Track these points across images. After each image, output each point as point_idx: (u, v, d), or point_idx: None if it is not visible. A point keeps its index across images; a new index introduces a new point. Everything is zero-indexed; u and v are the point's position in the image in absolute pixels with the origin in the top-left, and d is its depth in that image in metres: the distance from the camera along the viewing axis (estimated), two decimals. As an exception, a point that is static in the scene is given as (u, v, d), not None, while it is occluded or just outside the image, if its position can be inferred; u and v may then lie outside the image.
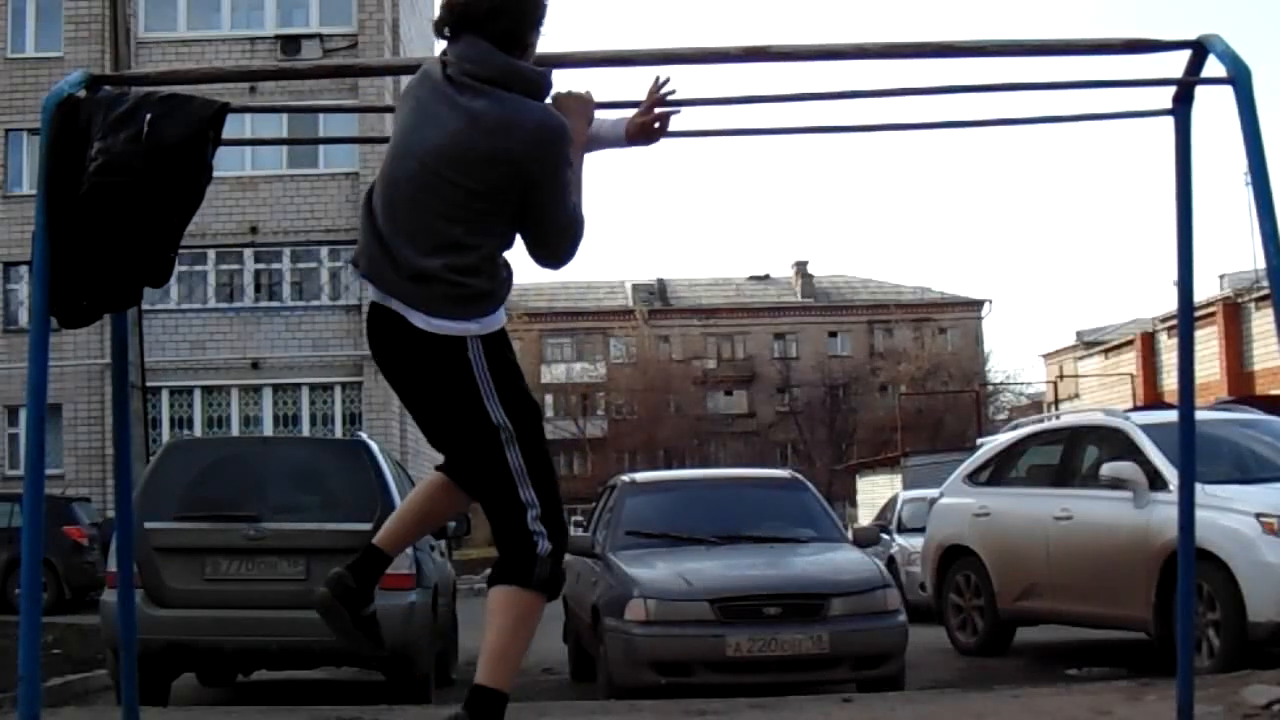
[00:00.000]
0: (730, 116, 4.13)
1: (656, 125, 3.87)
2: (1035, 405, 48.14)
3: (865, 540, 9.54)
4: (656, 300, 67.41)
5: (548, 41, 3.67)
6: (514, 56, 3.50)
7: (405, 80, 3.83)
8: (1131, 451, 9.19)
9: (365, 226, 3.60)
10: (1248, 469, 8.99)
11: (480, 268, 3.50)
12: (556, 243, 3.56)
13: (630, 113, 3.90)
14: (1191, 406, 4.76)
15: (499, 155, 3.41)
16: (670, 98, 3.87)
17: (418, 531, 3.88)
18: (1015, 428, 12.20)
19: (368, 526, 8.10)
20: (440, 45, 3.65)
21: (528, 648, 3.61)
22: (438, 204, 3.46)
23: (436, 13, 3.64)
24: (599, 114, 3.86)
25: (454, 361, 3.48)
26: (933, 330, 64.00)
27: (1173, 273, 4.65)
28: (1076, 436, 10.47)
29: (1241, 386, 29.26)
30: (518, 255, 3.62)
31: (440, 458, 3.79)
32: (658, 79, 3.85)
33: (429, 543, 9.63)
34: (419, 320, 3.47)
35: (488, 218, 3.47)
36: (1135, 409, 14.75)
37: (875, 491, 33.67)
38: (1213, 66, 4.18)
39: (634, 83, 3.96)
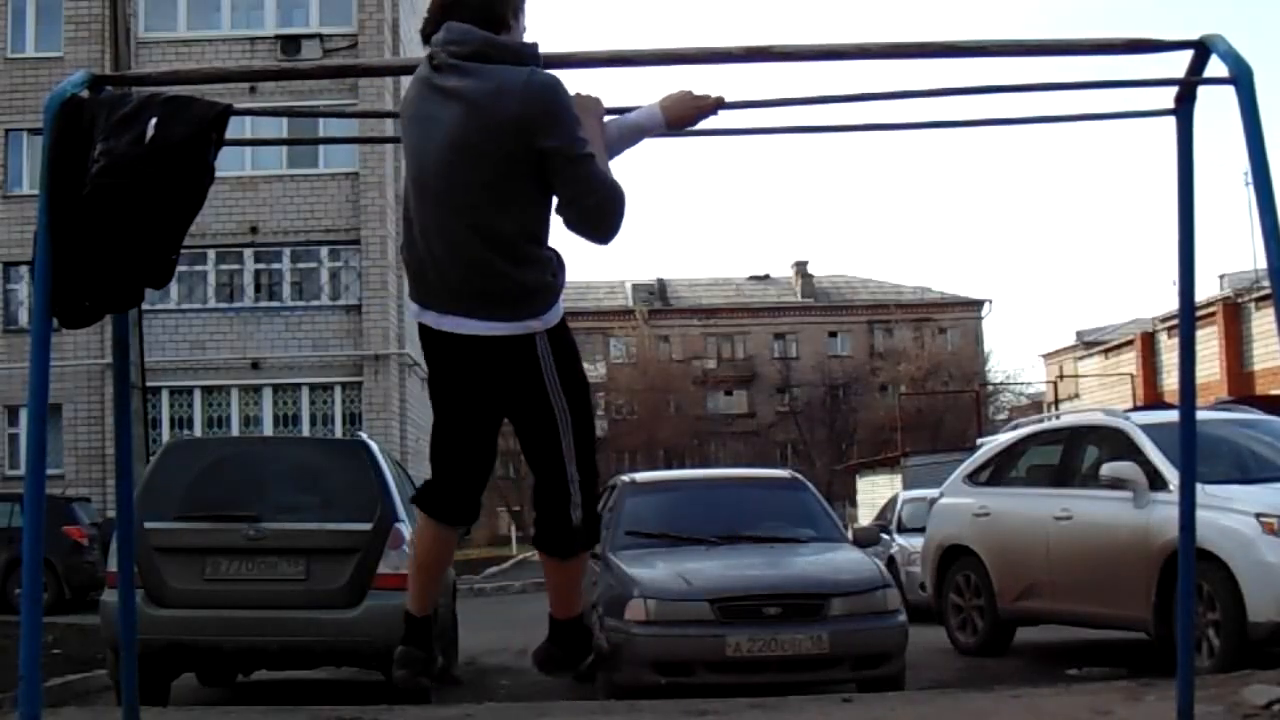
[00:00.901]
0: (730, 116, 4.11)
1: (700, 113, 3.83)
2: (1035, 405, 48.12)
3: (865, 540, 9.55)
4: (656, 300, 67.42)
5: (548, 42, 3.66)
6: (508, 25, 3.53)
7: (406, 81, 3.83)
8: (1131, 451, 9.19)
9: (410, 257, 3.60)
10: (1248, 469, 8.99)
11: (527, 254, 3.46)
12: (594, 207, 3.44)
13: (651, 99, 3.87)
14: (1192, 406, 4.76)
15: (499, 123, 3.37)
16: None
17: (439, 582, 3.98)
18: (1015, 428, 12.20)
19: (368, 526, 8.13)
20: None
21: (583, 581, 3.94)
22: (462, 194, 3.44)
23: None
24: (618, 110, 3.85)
25: (523, 361, 3.51)
26: (933, 330, 64.00)
27: (1173, 273, 4.66)
28: (1076, 436, 10.47)
29: (1241, 386, 29.25)
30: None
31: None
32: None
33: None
34: (483, 328, 3.48)
35: (513, 188, 3.42)
36: (1135, 409, 14.74)
37: (875, 491, 33.66)
38: (1215, 66, 4.18)
39: (634, 83, 3.96)
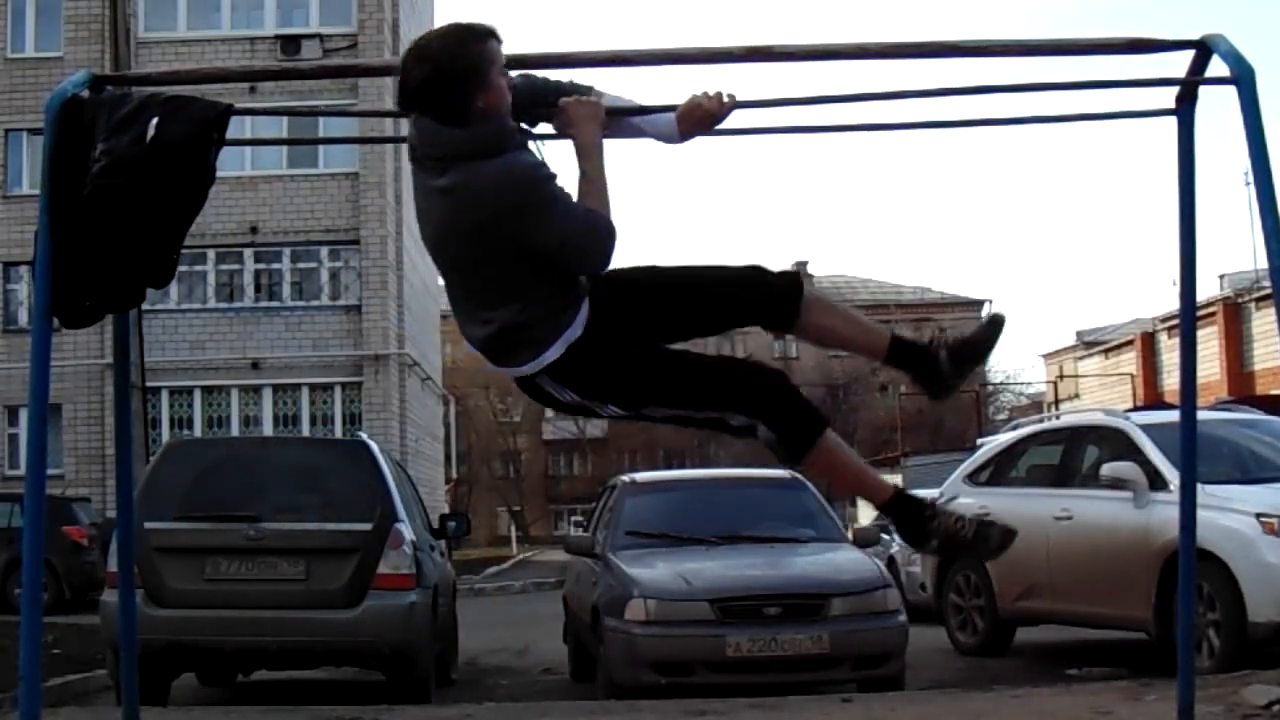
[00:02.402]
0: (731, 117, 4.11)
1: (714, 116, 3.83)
2: (1035, 405, 48.09)
3: (865, 540, 9.53)
4: (656, 300, 67.33)
5: (548, 42, 3.66)
6: (472, 111, 3.46)
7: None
8: (1132, 451, 9.19)
9: None
10: (1248, 469, 8.99)
11: (528, 322, 3.57)
12: (582, 252, 3.55)
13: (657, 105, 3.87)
14: (1192, 406, 4.75)
15: (479, 225, 3.48)
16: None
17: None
18: (1015, 428, 12.20)
19: (368, 527, 8.13)
20: None
21: (852, 461, 3.88)
22: (463, 267, 3.61)
23: (436, 23, 3.65)
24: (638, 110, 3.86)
25: (545, 395, 3.72)
26: (933, 330, 63.95)
27: (1173, 272, 4.68)
28: (1076, 436, 10.47)
29: (1241, 386, 29.25)
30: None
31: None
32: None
33: (429, 543, 9.63)
34: (500, 371, 3.69)
35: (505, 277, 3.54)
36: (1135, 409, 14.74)
37: (875, 491, 33.55)
38: (1216, 66, 4.17)
39: (634, 84, 3.96)
